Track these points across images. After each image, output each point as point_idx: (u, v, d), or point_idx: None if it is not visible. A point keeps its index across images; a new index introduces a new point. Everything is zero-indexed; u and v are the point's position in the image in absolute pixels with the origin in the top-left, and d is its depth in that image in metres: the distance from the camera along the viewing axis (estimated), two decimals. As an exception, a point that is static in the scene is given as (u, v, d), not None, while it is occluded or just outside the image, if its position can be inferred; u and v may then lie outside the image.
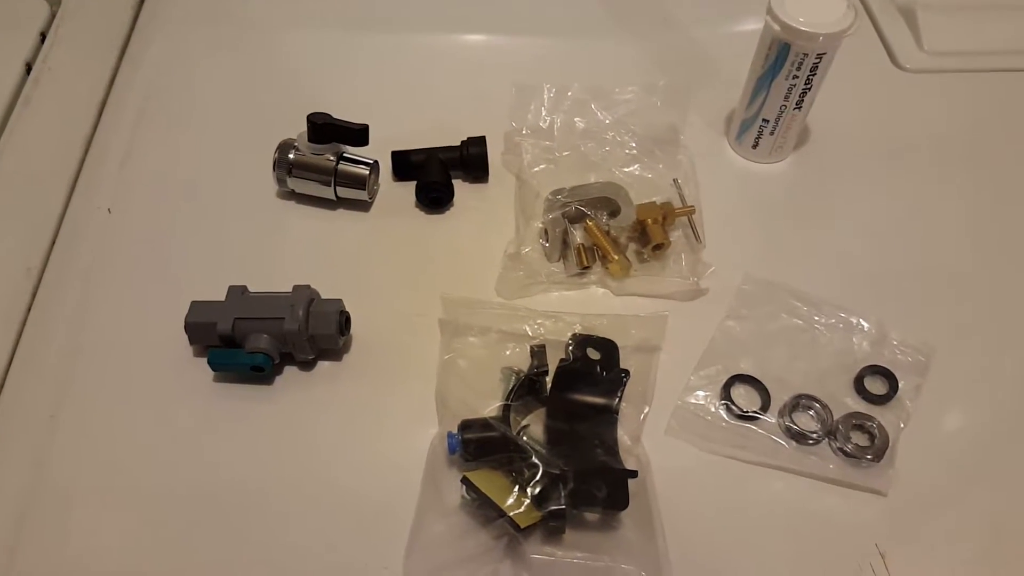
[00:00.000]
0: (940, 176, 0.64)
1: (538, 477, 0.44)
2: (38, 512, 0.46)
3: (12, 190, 0.60)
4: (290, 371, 0.52)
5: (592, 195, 0.58)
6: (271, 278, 0.53)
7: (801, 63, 0.56)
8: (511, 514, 0.43)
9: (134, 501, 0.47)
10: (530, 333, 0.52)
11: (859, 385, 0.52)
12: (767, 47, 0.56)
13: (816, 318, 0.54)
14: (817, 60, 0.55)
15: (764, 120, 0.60)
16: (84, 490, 0.47)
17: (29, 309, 0.54)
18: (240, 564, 0.45)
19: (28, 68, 0.67)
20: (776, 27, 0.55)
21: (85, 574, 0.45)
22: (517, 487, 0.44)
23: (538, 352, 0.50)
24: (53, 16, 0.71)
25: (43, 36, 0.70)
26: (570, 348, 0.51)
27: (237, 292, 0.51)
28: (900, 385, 0.51)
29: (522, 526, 0.43)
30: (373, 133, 0.58)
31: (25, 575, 0.44)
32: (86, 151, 0.63)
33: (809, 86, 0.57)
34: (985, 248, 0.59)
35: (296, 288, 0.51)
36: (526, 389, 0.49)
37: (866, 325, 0.54)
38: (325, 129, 0.57)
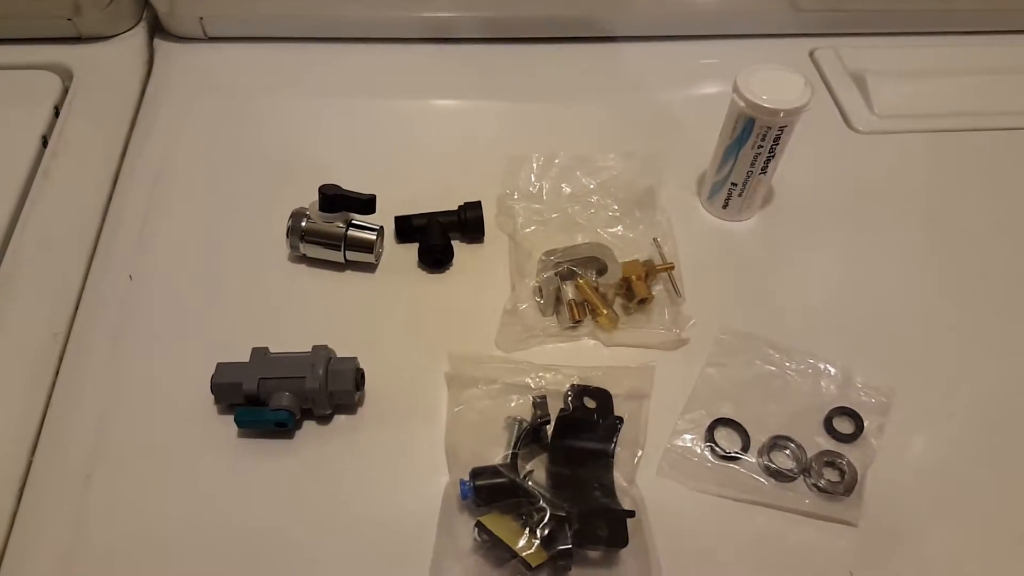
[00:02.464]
0: (894, 228, 0.70)
1: (546, 520, 0.48)
2: (80, 570, 0.49)
3: (36, 257, 0.63)
4: (309, 425, 0.56)
5: (581, 255, 0.63)
6: (286, 337, 0.57)
7: (765, 135, 0.62)
8: (523, 555, 0.47)
9: (168, 554, 0.50)
10: (532, 385, 0.56)
11: (828, 425, 0.57)
12: (734, 120, 0.63)
13: (787, 364, 0.60)
14: (779, 132, 0.62)
15: (733, 183, 0.67)
16: (122, 547, 0.50)
17: (57, 372, 0.57)
18: (268, 611, 0.48)
19: (44, 141, 0.71)
20: (742, 103, 0.61)
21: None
22: (527, 529, 0.48)
23: (540, 403, 0.54)
24: (65, 91, 0.75)
25: (57, 110, 0.74)
26: (569, 398, 0.55)
27: (260, 353, 0.55)
28: (865, 425, 0.56)
29: (533, 565, 0.47)
30: (377, 196, 0.62)
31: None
32: (103, 219, 0.67)
33: (773, 154, 0.64)
34: (937, 295, 0.65)
35: (315, 348, 0.55)
36: (530, 437, 0.53)
37: (832, 370, 0.59)
38: (335, 199, 0.61)
